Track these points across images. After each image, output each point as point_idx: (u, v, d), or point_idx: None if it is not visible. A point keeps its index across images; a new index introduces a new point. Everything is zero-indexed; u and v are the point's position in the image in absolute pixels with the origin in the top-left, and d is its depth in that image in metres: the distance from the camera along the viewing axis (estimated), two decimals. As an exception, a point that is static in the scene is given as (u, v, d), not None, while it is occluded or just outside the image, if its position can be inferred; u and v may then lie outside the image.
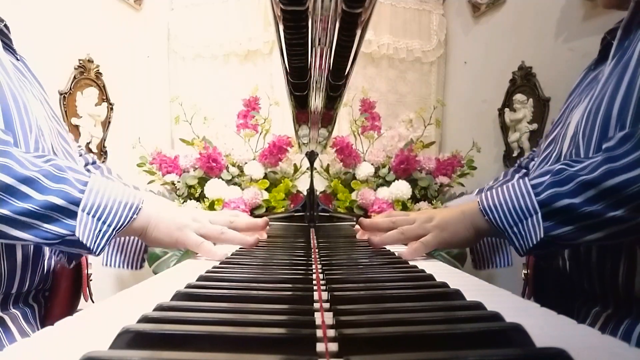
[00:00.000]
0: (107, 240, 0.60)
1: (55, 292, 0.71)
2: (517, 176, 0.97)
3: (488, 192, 0.66)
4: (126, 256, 0.84)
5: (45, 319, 0.69)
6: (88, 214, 0.58)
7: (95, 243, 0.58)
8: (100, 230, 0.59)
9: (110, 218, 0.60)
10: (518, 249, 0.61)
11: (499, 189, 0.65)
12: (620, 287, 0.60)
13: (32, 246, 0.64)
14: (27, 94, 0.70)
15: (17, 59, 0.79)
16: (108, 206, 0.60)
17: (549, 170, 0.61)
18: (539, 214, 0.59)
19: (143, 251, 0.84)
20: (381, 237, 0.73)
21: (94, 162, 0.98)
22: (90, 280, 0.76)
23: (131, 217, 0.62)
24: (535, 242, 0.58)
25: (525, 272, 0.77)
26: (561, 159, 0.71)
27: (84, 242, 0.57)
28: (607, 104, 0.62)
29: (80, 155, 0.94)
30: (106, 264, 0.83)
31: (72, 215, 0.57)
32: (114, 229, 0.60)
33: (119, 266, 0.83)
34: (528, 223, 0.59)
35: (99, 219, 0.59)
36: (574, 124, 0.71)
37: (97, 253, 0.59)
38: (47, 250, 0.67)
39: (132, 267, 0.84)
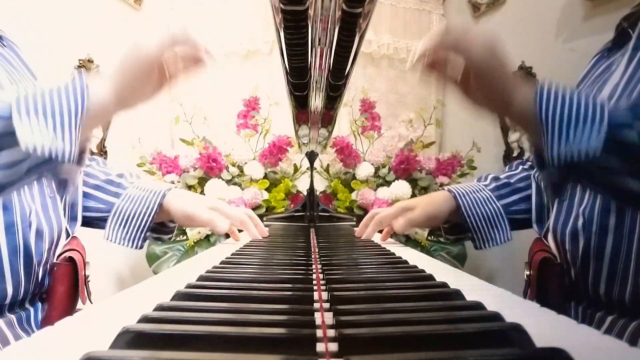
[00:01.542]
0: (71, 132, 0.53)
1: (52, 295, 0.70)
2: (521, 167, 0.95)
3: (551, 82, 0.57)
4: (128, 231, 0.81)
5: (43, 322, 0.68)
6: (27, 114, 0.50)
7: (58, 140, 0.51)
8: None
9: (57, 108, 0.53)
10: (552, 154, 0.51)
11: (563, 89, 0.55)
12: (627, 292, 0.59)
13: (21, 257, 0.62)
14: (8, 86, 0.68)
15: (4, 46, 0.76)
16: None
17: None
18: (604, 125, 0.49)
19: (146, 229, 0.82)
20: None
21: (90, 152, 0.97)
22: (88, 281, 0.75)
23: (82, 102, 0.54)
24: (586, 152, 0.49)
25: (528, 272, 0.76)
26: None
27: (40, 144, 0.50)
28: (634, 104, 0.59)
29: None
30: (107, 238, 0.81)
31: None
32: (70, 116, 0.53)
33: (119, 242, 0.81)
34: (586, 127, 0.50)
35: (44, 115, 0.51)
36: None
37: (69, 153, 0.53)
38: (44, 254, 0.66)
39: (133, 245, 0.82)
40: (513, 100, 0.56)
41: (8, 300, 0.61)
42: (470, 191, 0.89)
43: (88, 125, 0.56)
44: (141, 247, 0.83)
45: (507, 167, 0.99)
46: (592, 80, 0.76)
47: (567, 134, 0.50)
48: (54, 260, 0.70)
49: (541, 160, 0.54)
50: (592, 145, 0.49)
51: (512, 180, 0.91)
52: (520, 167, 0.96)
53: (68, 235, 0.76)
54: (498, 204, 0.87)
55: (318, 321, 0.31)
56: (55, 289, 0.70)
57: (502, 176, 0.93)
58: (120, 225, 0.81)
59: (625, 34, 0.69)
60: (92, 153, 1.72)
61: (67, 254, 0.71)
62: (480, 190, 0.89)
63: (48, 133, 0.50)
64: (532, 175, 0.89)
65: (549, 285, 0.72)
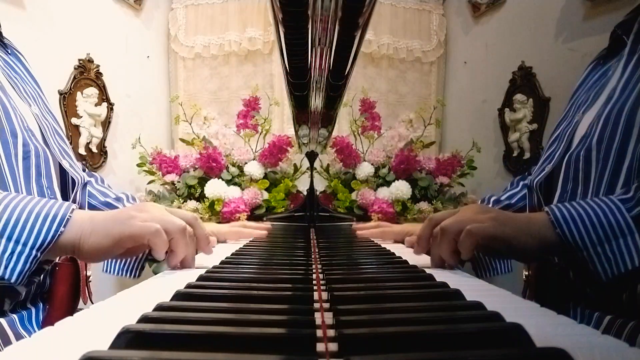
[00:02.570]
0: (25, 263, 0.49)
1: (53, 295, 0.70)
2: (522, 183, 0.93)
3: (558, 204, 0.56)
4: (125, 263, 0.80)
5: (45, 322, 0.68)
6: None
7: (7, 268, 0.47)
8: (13, 252, 0.48)
9: (25, 236, 0.49)
10: (602, 273, 0.51)
11: (572, 202, 0.55)
12: (625, 292, 0.59)
13: None
14: (11, 92, 0.68)
15: (8, 53, 0.76)
16: (21, 222, 0.49)
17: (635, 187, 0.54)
18: (636, 234, 0.50)
19: (144, 259, 0.80)
20: (416, 240, 0.63)
21: (83, 170, 0.93)
22: (89, 281, 0.75)
23: (56, 231, 0.51)
24: (631, 267, 0.50)
25: (527, 273, 0.76)
26: (568, 156, 0.69)
27: None
28: (630, 110, 0.59)
29: None
30: (106, 271, 0.80)
31: None
32: (33, 249, 0.49)
33: (117, 274, 0.79)
34: (620, 243, 0.50)
35: (9, 239, 0.48)
36: (585, 124, 0.69)
37: (14, 281, 0.48)
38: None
39: (131, 275, 0.80)
40: (539, 246, 0.56)
41: (9, 299, 0.61)
42: None
43: (49, 256, 0.53)
44: (139, 276, 0.80)
45: (510, 184, 0.98)
46: (590, 86, 0.76)
47: (604, 254, 0.51)
48: (56, 261, 0.70)
49: (591, 275, 0.54)
50: (634, 257, 0.50)
51: (512, 201, 0.90)
52: (521, 183, 0.95)
53: None
54: None
55: (318, 321, 0.31)
56: (56, 289, 0.70)
57: (503, 198, 0.92)
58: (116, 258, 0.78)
59: (620, 40, 0.70)
60: (91, 153, 1.72)
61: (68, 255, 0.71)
62: None
63: (2, 259, 0.48)
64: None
65: (547, 285, 0.72)
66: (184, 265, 0.60)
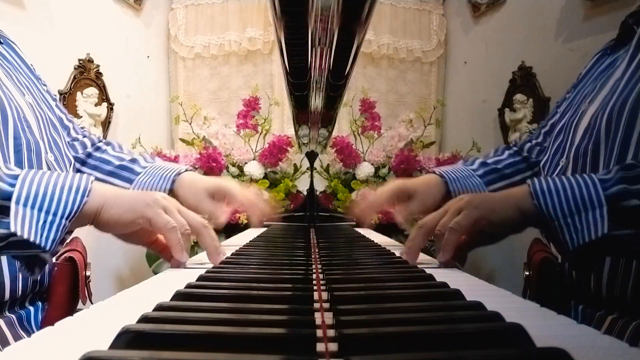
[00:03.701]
0: (57, 232, 0.52)
1: (52, 295, 0.70)
2: (507, 152, 0.94)
3: (540, 177, 0.58)
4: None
5: (43, 322, 0.68)
6: (25, 205, 0.51)
7: (42, 237, 0.51)
8: (45, 222, 0.52)
9: (54, 206, 0.53)
10: (567, 242, 0.53)
11: (555, 176, 0.57)
12: (628, 291, 0.58)
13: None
14: (5, 81, 0.68)
15: (1, 43, 0.76)
16: (48, 194, 0.53)
17: (617, 167, 0.55)
18: (604, 208, 0.51)
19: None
20: (408, 246, 0.64)
21: (100, 140, 0.95)
22: (89, 281, 0.75)
23: (81, 201, 0.54)
24: (592, 238, 0.51)
25: (527, 273, 0.76)
26: (574, 150, 0.69)
27: (28, 237, 0.50)
28: (634, 101, 0.59)
29: (85, 136, 0.92)
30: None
31: (6, 211, 0.50)
32: (63, 218, 0.53)
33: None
34: (588, 216, 0.52)
35: (40, 209, 0.52)
36: (589, 114, 0.68)
37: (49, 248, 0.52)
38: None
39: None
40: (519, 216, 0.58)
41: (7, 297, 0.61)
42: (461, 177, 0.86)
43: (74, 225, 0.57)
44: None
45: (493, 151, 0.98)
46: (595, 77, 0.76)
47: (574, 225, 0.53)
48: (54, 260, 0.70)
49: (561, 247, 0.56)
50: (599, 228, 0.51)
51: (499, 166, 0.90)
52: (507, 152, 0.95)
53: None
54: (487, 191, 0.86)
55: (318, 321, 0.31)
56: (55, 289, 0.70)
57: (489, 161, 0.92)
58: None
59: (630, 30, 0.69)
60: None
61: (67, 254, 0.71)
62: (471, 177, 0.87)
63: (37, 229, 0.51)
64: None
65: (548, 285, 0.71)
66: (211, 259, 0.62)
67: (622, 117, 0.60)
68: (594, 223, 0.51)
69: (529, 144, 0.94)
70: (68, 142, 0.87)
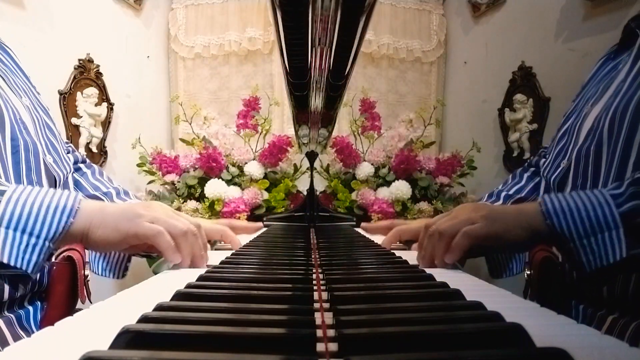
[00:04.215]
0: (39, 255, 0.51)
1: (51, 294, 0.69)
2: (525, 175, 0.93)
3: (551, 195, 0.57)
4: (109, 263, 0.79)
5: (43, 321, 0.68)
6: (7, 228, 0.50)
7: (23, 260, 0.50)
8: (28, 245, 0.50)
9: (37, 228, 0.51)
10: (585, 265, 0.52)
11: (565, 194, 0.57)
12: (629, 292, 0.58)
13: None
14: (1, 83, 0.68)
15: None
16: (33, 215, 0.51)
17: (629, 181, 0.54)
18: (620, 229, 0.51)
19: (126, 259, 0.79)
20: (422, 254, 0.63)
21: (84, 161, 0.94)
22: (88, 281, 0.75)
23: (66, 222, 0.53)
24: (612, 260, 0.51)
25: (529, 272, 0.75)
26: (576, 151, 0.69)
27: (8, 261, 0.49)
28: (637, 103, 0.59)
29: (68, 152, 0.90)
30: (90, 270, 0.78)
31: None
32: (46, 240, 0.51)
33: (101, 274, 0.78)
34: (605, 237, 0.51)
35: (23, 232, 0.50)
36: (592, 116, 0.68)
37: (31, 272, 0.51)
38: None
39: (115, 276, 0.79)
40: (530, 236, 0.57)
41: (6, 297, 0.61)
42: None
43: (61, 244, 0.56)
44: (124, 277, 0.79)
45: (511, 177, 0.96)
46: (599, 80, 0.76)
47: (590, 247, 0.52)
48: (53, 260, 0.70)
49: (577, 267, 0.55)
50: (617, 252, 0.51)
51: (523, 195, 0.89)
52: (525, 175, 0.94)
53: None
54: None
55: (318, 321, 0.31)
56: (53, 288, 0.70)
57: (512, 192, 0.91)
58: (99, 256, 0.78)
59: (633, 34, 0.69)
60: (91, 152, 1.72)
61: (65, 254, 0.71)
62: None
63: (19, 252, 0.50)
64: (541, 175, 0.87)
65: (550, 284, 0.71)
66: (194, 265, 0.60)
67: (625, 119, 0.60)
68: (611, 246, 0.51)
69: (544, 160, 0.91)
70: None
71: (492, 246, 0.60)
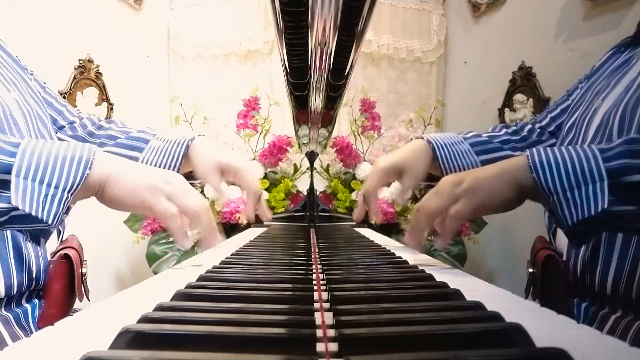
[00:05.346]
0: (59, 205, 0.51)
1: (49, 293, 0.69)
2: (504, 130, 0.91)
3: (540, 148, 0.56)
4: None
5: (40, 320, 0.68)
6: (25, 178, 0.49)
7: (44, 210, 0.50)
8: (47, 195, 0.50)
9: (55, 179, 0.51)
10: (565, 218, 0.51)
11: (553, 148, 0.55)
12: (633, 290, 0.58)
13: (11, 248, 0.61)
14: None
15: None
16: (50, 166, 0.51)
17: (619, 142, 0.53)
18: (605, 182, 0.49)
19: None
20: (408, 235, 0.63)
21: (100, 120, 0.92)
22: (85, 279, 0.75)
23: (83, 173, 0.53)
24: (592, 213, 0.49)
25: (531, 270, 0.75)
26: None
27: (30, 211, 0.48)
28: None
29: (82, 119, 0.89)
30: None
31: (6, 185, 0.48)
32: (64, 191, 0.51)
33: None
34: (588, 190, 0.50)
35: (41, 182, 0.50)
36: (602, 112, 0.68)
37: (52, 222, 0.51)
38: (31, 250, 0.65)
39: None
40: (517, 193, 0.57)
41: (3, 293, 0.61)
42: (449, 143, 0.83)
43: (78, 197, 0.56)
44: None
45: (491, 129, 0.95)
46: (609, 73, 0.75)
47: (573, 199, 0.51)
48: (50, 258, 0.70)
49: (557, 220, 0.54)
50: (599, 203, 0.50)
51: (494, 140, 0.87)
52: (504, 130, 0.92)
53: (59, 232, 0.76)
54: (477, 159, 0.82)
55: (318, 321, 0.31)
56: (51, 287, 0.70)
57: (483, 135, 0.89)
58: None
59: None
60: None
61: (62, 252, 0.71)
62: (460, 143, 0.84)
63: (39, 202, 0.50)
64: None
65: (552, 283, 0.71)
66: (207, 244, 0.63)
67: (636, 116, 0.60)
68: (594, 197, 0.50)
69: (529, 126, 0.91)
70: (68, 124, 0.86)
71: (481, 214, 0.60)
